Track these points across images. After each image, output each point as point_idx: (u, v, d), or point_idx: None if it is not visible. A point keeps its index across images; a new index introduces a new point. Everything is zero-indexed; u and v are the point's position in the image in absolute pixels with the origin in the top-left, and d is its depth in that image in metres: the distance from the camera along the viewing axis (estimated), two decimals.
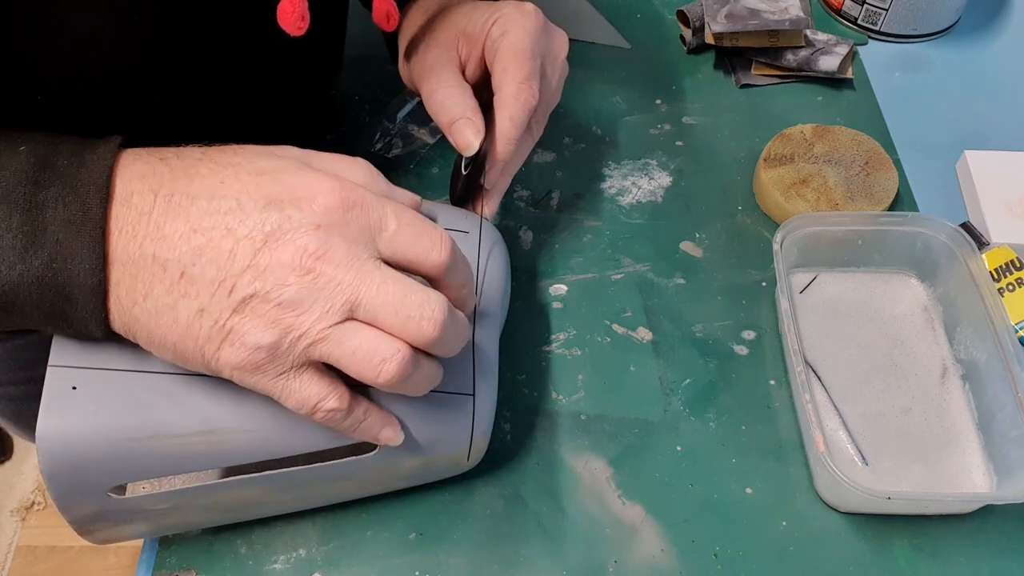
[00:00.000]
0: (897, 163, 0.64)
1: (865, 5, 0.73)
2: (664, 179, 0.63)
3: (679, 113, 0.68)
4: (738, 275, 0.58)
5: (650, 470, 0.49)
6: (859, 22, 0.74)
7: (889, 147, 0.65)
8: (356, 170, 0.38)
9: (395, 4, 0.47)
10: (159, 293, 0.33)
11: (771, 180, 0.60)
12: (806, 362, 0.52)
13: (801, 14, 0.69)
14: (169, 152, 0.36)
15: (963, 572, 0.45)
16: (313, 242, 0.33)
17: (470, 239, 0.46)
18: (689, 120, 0.67)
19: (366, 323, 0.34)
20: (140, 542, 0.46)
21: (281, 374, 0.34)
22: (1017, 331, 0.52)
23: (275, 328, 0.33)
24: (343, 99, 0.68)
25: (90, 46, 0.41)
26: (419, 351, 0.36)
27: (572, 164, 0.64)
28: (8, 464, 1.41)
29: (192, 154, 0.36)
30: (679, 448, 0.50)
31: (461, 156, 0.48)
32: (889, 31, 0.73)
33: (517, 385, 0.52)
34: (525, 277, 0.57)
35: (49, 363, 0.36)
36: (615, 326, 0.55)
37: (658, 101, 0.69)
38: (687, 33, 0.72)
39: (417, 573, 0.45)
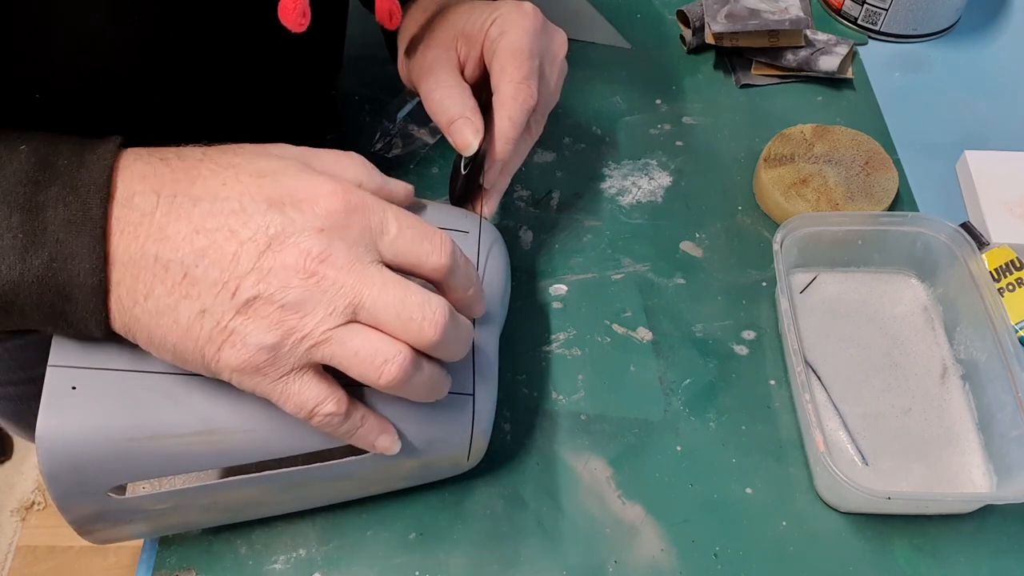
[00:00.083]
0: (897, 163, 0.64)
1: (865, 5, 0.73)
2: (664, 179, 0.63)
3: (679, 113, 0.68)
4: (738, 275, 0.58)
5: (650, 470, 0.49)
6: (859, 22, 0.74)
7: (889, 147, 0.65)
8: (351, 165, 0.39)
9: (397, 2, 0.47)
10: (160, 294, 0.33)
11: (771, 180, 0.60)
12: (806, 362, 0.52)
13: (801, 14, 0.69)
14: (169, 152, 0.36)
15: (963, 572, 0.45)
16: (316, 245, 0.33)
17: (470, 239, 0.46)
18: (689, 120, 0.67)
19: (368, 325, 0.34)
20: (140, 542, 0.46)
21: (281, 377, 0.34)
22: (1017, 331, 0.52)
23: (278, 329, 0.33)
24: (343, 99, 0.68)
25: (90, 46, 0.41)
26: (422, 355, 0.36)
27: (572, 164, 0.64)
28: (8, 464, 1.41)
29: (192, 154, 0.36)
30: (679, 448, 0.50)
31: (460, 156, 0.48)
32: (889, 31, 0.73)
33: (517, 385, 0.52)
34: (525, 277, 0.57)
35: (49, 363, 0.36)
36: (615, 326, 0.55)
37: (658, 101, 0.69)
38: (687, 33, 0.72)
39: (417, 573, 0.45)
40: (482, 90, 0.49)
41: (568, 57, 0.52)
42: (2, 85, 0.40)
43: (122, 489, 0.40)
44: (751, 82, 0.70)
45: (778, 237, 0.52)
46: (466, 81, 0.50)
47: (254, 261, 0.33)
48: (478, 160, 0.48)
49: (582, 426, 0.50)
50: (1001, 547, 0.46)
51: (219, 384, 0.36)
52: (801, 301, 0.56)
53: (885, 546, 0.46)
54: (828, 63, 0.69)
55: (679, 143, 0.66)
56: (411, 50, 0.52)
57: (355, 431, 0.37)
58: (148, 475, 0.38)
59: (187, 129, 0.42)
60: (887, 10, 0.72)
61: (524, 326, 0.54)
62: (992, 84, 0.71)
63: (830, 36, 0.71)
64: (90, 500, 0.37)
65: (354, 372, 0.34)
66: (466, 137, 0.47)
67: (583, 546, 0.46)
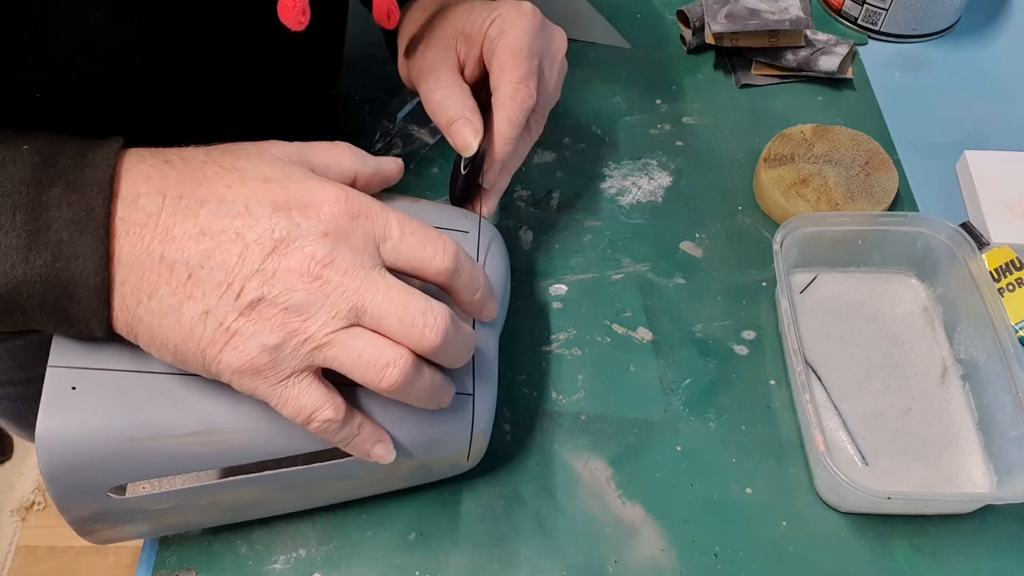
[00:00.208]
0: (897, 163, 0.64)
1: (865, 5, 0.73)
2: (664, 179, 0.63)
3: (679, 113, 0.68)
4: (738, 275, 0.58)
5: (650, 470, 0.49)
6: (859, 22, 0.74)
7: (889, 147, 0.65)
8: (344, 155, 0.40)
9: (395, 2, 0.47)
10: (165, 294, 0.33)
11: (771, 180, 0.60)
12: (806, 362, 0.52)
13: (801, 14, 0.69)
14: (172, 154, 0.36)
15: (963, 572, 0.45)
16: (321, 249, 0.34)
17: (469, 239, 0.46)
18: (689, 120, 0.67)
19: (371, 330, 0.35)
20: (140, 542, 0.46)
21: (280, 380, 0.34)
22: (1017, 331, 0.52)
23: (280, 332, 0.33)
24: (343, 99, 0.68)
25: (90, 46, 0.41)
26: (424, 360, 0.36)
27: (572, 164, 0.64)
28: (8, 464, 1.41)
29: (195, 156, 0.36)
30: (679, 448, 0.50)
31: (460, 156, 0.48)
32: (889, 31, 0.73)
33: (517, 385, 0.52)
34: (525, 277, 0.57)
35: (49, 363, 0.36)
36: (615, 326, 0.55)
37: (658, 101, 0.69)
38: (687, 33, 0.72)
39: (417, 573, 0.45)
40: (482, 90, 0.49)
41: (568, 57, 0.52)
42: (2, 85, 0.40)
43: (122, 489, 0.40)
44: (751, 82, 0.70)
45: (778, 237, 0.52)
46: (466, 81, 0.50)
47: (259, 263, 0.33)
48: (477, 160, 0.48)
49: (582, 426, 0.50)
50: (1001, 547, 0.46)
51: (219, 384, 0.36)
52: (801, 301, 0.56)
53: (885, 546, 0.46)
54: (828, 63, 0.69)
55: (679, 143, 0.66)
56: (411, 50, 0.52)
57: (351, 439, 0.37)
58: (148, 475, 0.38)
59: (187, 129, 0.42)
60: (887, 10, 0.72)
61: (524, 326, 0.54)
62: (992, 84, 0.71)
63: (830, 36, 0.71)
64: (90, 500, 0.37)
65: (356, 375, 0.34)
66: (465, 138, 0.47)
67: (583, 546, 0.46)
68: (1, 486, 1.39)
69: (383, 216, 0.36)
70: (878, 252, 0.56)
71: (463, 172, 0.49)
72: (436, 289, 0.38)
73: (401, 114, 0.66)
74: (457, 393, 0.41)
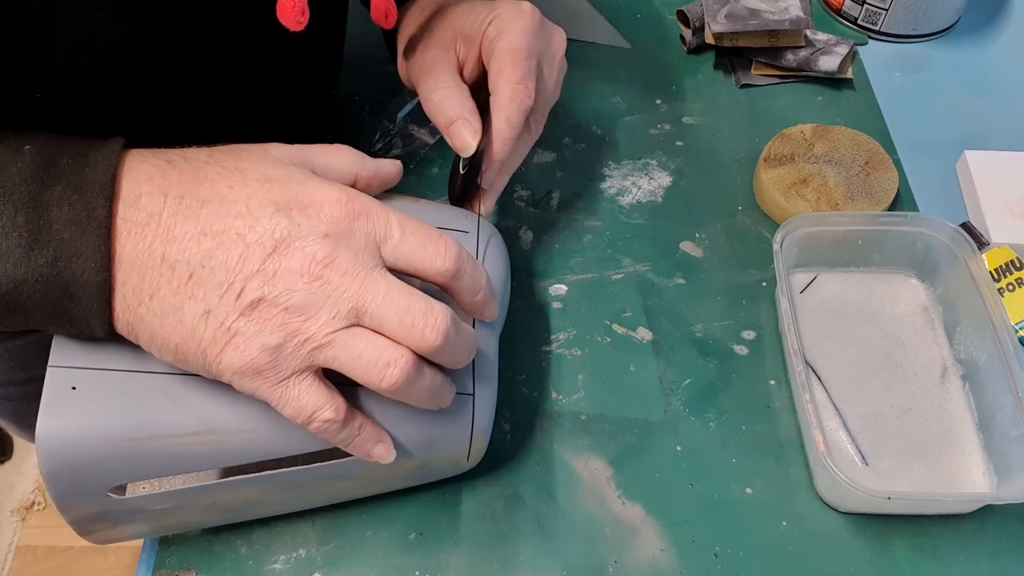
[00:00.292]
0: (897, 163, 0.64)
1: (865, 5, 0.73)
2: (664, 179, 0.63)
3: (679, 113, 0.68)
4: (738, 275, 0.58)
5: (650, 470, 0.49)
6: (859, 22, 0.74)
7: (889, 147, 0.65)
8: (344, 157, 0.40)
9: (393, 2, 0.47)
10: (166, 294, 0.33)
11: (771, 180, 0.60)
12: (806, 362, 0.52)
13: (801, 14, 0.69)
14: (174, 154, 0.36)
15: (963, 572, 0.45)
16: (321, 250, 0.34)
17: (470, 239, 0.46)
18: (689, 120, 0.67)
19: (371, 330, 0.35)
20: (140, 542, 0.46)
21: (281, 380, 0.34)
22: (1017, 331, 0.52)
23: (281, 332, 0.33)
24: (343, 99, 0.68)
25: (90, 46, 0.42)
26: (425, 361, 0.36)
27: (572, 164, 0.64)
28: (8, 464, 1.41)
29: (197, 156, 0.36)
30: (679, 448, 0.50)
31: (459, 156, 0.48)
32: (889, 31, 0.73)
33: (517, 385, 0.52)
34: (525, 277, 0.57)
35: (49, 363, 0.36)
36: (615, 326, 0.55)
37: (658, 101, 0.69)
38: (687, 33, 0.72)
39: (417, 573, 0.45)
40: (481, 89, 0.49)
41: (568, 57, 0.52)
42: (2, 85, 0.40)
43: (122, 489, 0.40)
44: (751, 82, 0.70)
45: (778, 237, 0.52)
46: (465, 81, 0.50)
47: (259, 264, 0.33)
48: (476, 160, 0.48)
49: (582, 426, 0.50)
50: (1001, 547, 0.46)
51: (219, 384, 0.36)
52: (801, 301, 0.56)
53: (885, 546, 0.46)
54: (828, 63, 0.69)
55: (679, 143, 0.66)
56: (410, 50, 0.52)
57: (352, 439, 0.37)
58: (148, 475, 0.38)
59: (187, 129, 0.42)
60: (887, 10, 0.72)
61: (524, 326, 0.54)
62: (992, 84, 0.71)
63: (830, 36, 0.71)
64: (90, 500, 0.37)
65: (356, 375, 0.35)
66: (464, 139, 0.47)
67: (583, 546, 0.46)
68: (1, 486, 1.39)
69: (384, 216, 0.36)
70: (878, 252, 0.56)
71: (462, 172, 0.49)
72: (437, 289, 0.38)
73: (401, 114, 0.66)
74: (457, 393, 0.41)
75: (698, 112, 0.68)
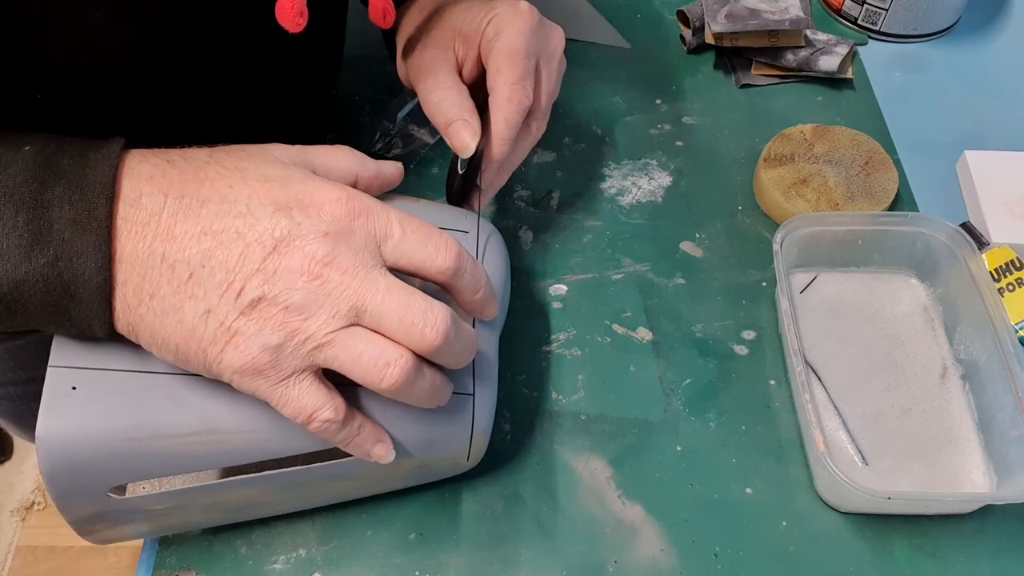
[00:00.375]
0: (897, 163, 0.64)
1: (865, 5, 0.73)
2: (664, 179, 0.63)
3: (679, 113, 0.68)
4: (738, 275, 0.58)
5: (650, 470, 0.49)
6: (859, 22, 0.74)
7: (889, 147, 0.65)
8: (345, 158, 0.40)
9: (391, 1, 0.47)
10: (166, 293, 0.33)
11: (771, 180, 0.60)
12: (806, 362, 0.52)
13: (801, 14, 0.69)
14: (175, 154, 0.36)
15: (963, 572, 0.46)
16: (321, 249, 0.34)
17: (469, 239, 0.46)
18: (689, 120, 0.67)
19: (371, 329, 0.35)
20: (140, 542, 0.46)
21: (281, 380, 0.34)
22: (1017, 331, 0.52)
23: (281, 331, 0.33)
24: (343, 99, 0.68)
25: (90, 46, 0.42)
26: (424, 360, 0.36)
27: (572, 164, 0.64)
28: (8, 464, 1.41)
29: (198, 156, 0.36)
30: (679, 448, 0.50)
31: (457, 155, 0.48)
32: (889, 31, 0.73)
33: (517, 385, 0.52)
34: (525, 277, 0.57)
35: (49, 363, 0.36)
36: (615, 326, 0.55)
37: (658, 101, 0.69)
38: (687, 33, 0.72)
39: (417, 573, 0.45)
40: (480, 89, 0.49)
41: (568, 57, 0.52)
42: (3, 85, 0.40)
43: (122, 489, 0.40)
44: (751, 82, 0.70)
45: (778, 237, 0.52)
46: (464, 80, 0.50)
47: (259, 263, 0.33)
48: (475, 160, 0.48)
49: (582, 426, 0.50)
50: (1001, 547, 0.46)
51: (219, 384, 0.36)
52: (801, 301, 0.56)
53: (885, 546, 0.46)
54: (828, 63, 0.69)
55: (679, 143, 0.66)
56: (409, 50, 0.52)
57: (351, 439, 0.37)
58: (148, 475, 0.38)
59: (187, 129, 0.42)
60: (887, 10, 0.72)
61: (524, 326, 0.54)
62: (992, 84, 0.71)
63: (830, 36, 0.71)
64: (90, 500, 0.37)
65: (356, 375, 0.34)
66: (464, 139, 0.47)
67: (583, 546, 0.46)
68: (1, 486, 1.39)
69: (384, 215, 0.36)
70: (878, 252, 0.56)
71: (460, 172, 0.49)
72: (437, 289, 0.38)
73: (401, 114, 0.66)
74: (457, 393, 0.41)
75: (698, 112, 0.68)
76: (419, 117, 0.65)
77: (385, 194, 0.43)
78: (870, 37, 0.74)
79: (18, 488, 1.39)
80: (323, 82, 0.66)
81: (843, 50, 0.70)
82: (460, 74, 0.50)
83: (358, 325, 0.34)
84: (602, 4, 0.76)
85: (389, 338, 0.35)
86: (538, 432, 0.50)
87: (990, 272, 0.54)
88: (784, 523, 0.47)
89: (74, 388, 0.36)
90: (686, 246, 0.59)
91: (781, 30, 0.69)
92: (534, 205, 0.61)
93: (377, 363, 0.34)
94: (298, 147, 0.39)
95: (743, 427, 0.51)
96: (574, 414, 0.51)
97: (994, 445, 0.48)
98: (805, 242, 0.54)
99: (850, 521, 0.47)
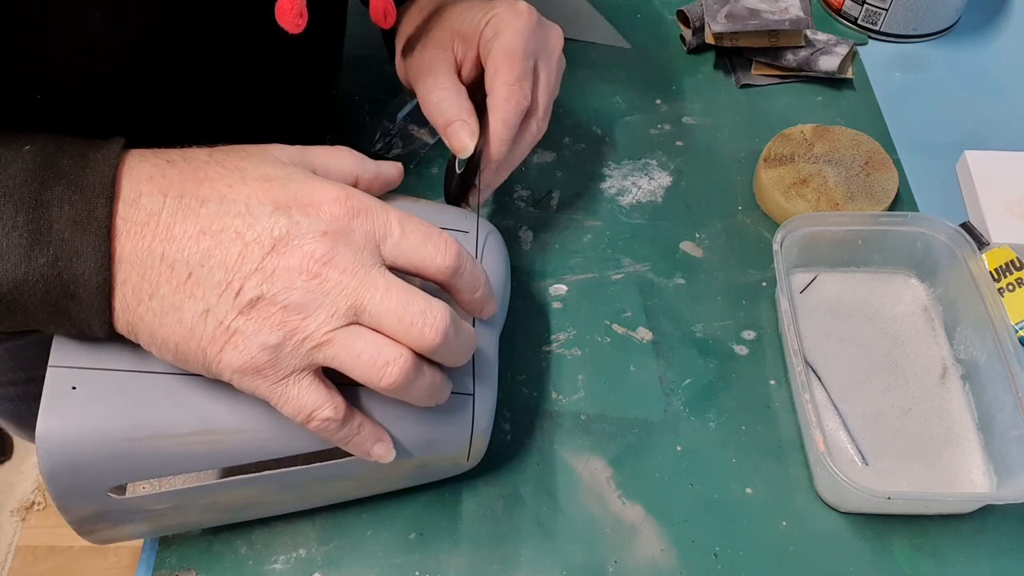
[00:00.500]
0: (897, 163, 0.64)
1: (865, 5, 0.73)
2: (664, 179, 0.63)
3: (679, 113, 0.68)
4: (738, 275, 0.58)
5: (650, 470, 0.49)
6: (859, 22, 0.74)
7: (889, 147, 0.65)
8: (344, 159, 0.40)
9: (392, 1, 0.47)
10: (165, 293, 0.33)
11: (771, 180, 0.60)
12: (806, 362, 0.52)
13: (801, 14, 0.69)
14: (175, 154, 0.36)
15: (963, 572, 0.45)
16: (320, 248, 0.34)
17: (469, 238, 0.46)
18: (689, 120, 0.67)
19: (370, 328, 0.34)
20: (140, 542, 0.46)
21: (281, 379, 0.34)
22: (1017, 331, 0.52)
23: (280, 330, 0.33)
24: (343, 99, 0.68)
25: (90, 46, 0.42)
26: (423, 359, 0.36)
27: (572, 164, 0.64)
28: (8, 464, 1.41)
29: (198, 156, 0.36)
30: (679, 448, 0.50)
31: (455, 155, 0.49)
32: (889, 31, 0.73)
33: (517, 385, 0.52)
34: (525, 277, 0.57)
35: (49, 363, 0.36)
36: (615, 326, 0.55)
37: (658, 101, 0.69)
38: (687, 33, 0.72)
39: (417, 573, 0.45)
40: (479, 89, 0.49)
41: (568, 57, 0.52)
42: (2, 85, 0.40)
43: (122, 489, 0.40)
44: (751, 82, 0.70)
45: (778, 237, 0.52)
46: (463, 81, 0.50)
47: (258, 262, 0.33)
48: (474, 160, 0.48)
49: (582, 426, 0.50)
50: (1001, 547, 0.46)
51: (219, 384, 0.36)
52: (801, 301, 0.56)
53: (885, 546, 0.46)
54: (828, 63, 0.69)
55: (679, 143, 0.66)
56: (408, 50, 0.52)
57: (351, 438, 0.37)
58: (148, 475, 0.38)
59: (187, 129, 0.42)
60: (887, 10, 0.72)
61: (524, 326, 0.54)
62: (992, 84, 0.71)
63: (830, 36, 0.71)
64: (90, 500, 0.37)
65: (356, 374, 0.34)
66: (462, 140, 0.47)
67: (583, 546, 0.46)
68: (1, 486, 1.39)
69: (384, 214, 0.36)
70: (878, 252, 0.56)
71: (458, 172, 0.49)
72: (436, 288, 0.38)
73: (401, 114, 0.66)
74: (457, 393, 0.41)
75: (698, 112, 0.68)
76: (419, 117, 0.65)
77: (385, 194, 0.43)
78: (870, 37, 0.74)
79: (18, 488, 1.39)
80: (323, 82, 0.66)
81: (843, 50, 0.70)
82: (459, 74, 0.50)
83: (357, 324, 0.34)
84: (602, 4, 0.76)
85: (388, 337, 0.35)
86: (538, 432, 0.50)
87: (990, 272, 0.54)
88: (784, 523, 0.47)
89: (74, 388, 0.36)
90: (686, 246, 0.59)
91: (781, 30, 0.69)
92: (534, 205, 0.61)
93: (376, 362, 0.34)
94: (298, 147, 0.39)
95: (743, 427, 0.51)
96: (574, 414, 0.51)
97: (994, 445, 0.48)
98: (805, 242, 0.54)
99: (850, 521, 0.47)
